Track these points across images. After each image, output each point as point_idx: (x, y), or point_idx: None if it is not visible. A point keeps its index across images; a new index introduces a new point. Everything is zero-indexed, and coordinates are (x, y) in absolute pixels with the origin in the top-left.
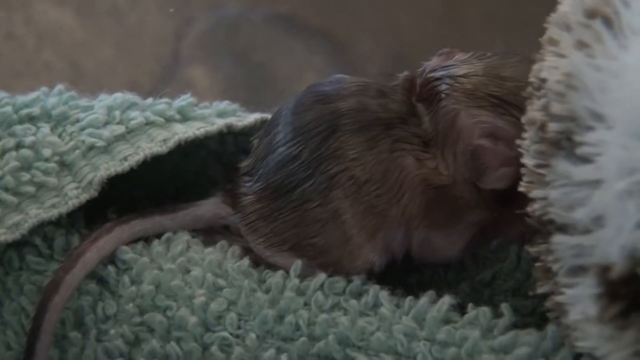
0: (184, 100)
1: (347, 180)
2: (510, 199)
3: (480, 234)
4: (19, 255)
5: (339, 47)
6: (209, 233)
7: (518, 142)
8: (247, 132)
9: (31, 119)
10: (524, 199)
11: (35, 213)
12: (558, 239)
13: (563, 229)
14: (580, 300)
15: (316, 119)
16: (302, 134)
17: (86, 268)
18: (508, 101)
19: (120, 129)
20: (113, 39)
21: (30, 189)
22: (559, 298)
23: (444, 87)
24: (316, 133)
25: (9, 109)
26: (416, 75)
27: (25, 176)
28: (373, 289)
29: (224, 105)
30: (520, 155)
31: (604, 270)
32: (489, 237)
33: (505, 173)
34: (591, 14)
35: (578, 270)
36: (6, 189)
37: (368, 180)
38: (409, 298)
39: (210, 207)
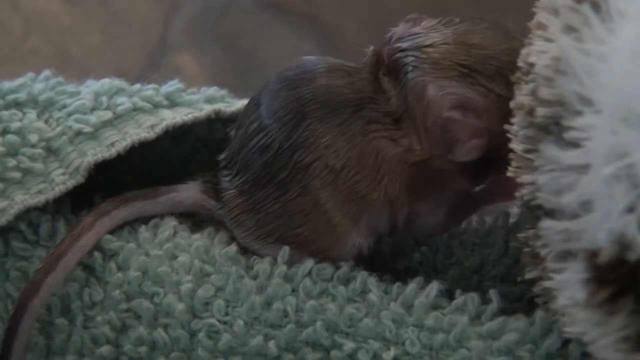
0: (172, 86)
1: (322, 170)
2: (490, 167)
3: (470, 202)
4: (4, 241)
5: (328, 32)
6: (196, 220)
7: (506, 127)
8: (235, 119)
9: (17, 104)
10: (505, 166)
11: (22, 199)
12: (546, 224)
13: (551, 214)
14: (568, 286)
15: (283, 107)
16: (272, 124)
17: (67, 269)
18: (477, 70)
19: (108, 115)
20: (100, 24)
21: (17, 174)
22: (547, 283)
23: (410, 59)
24: (285, 122)
25: None
26: (383, 48)
27: (12, 162)
28: (361, 275)
29: (212, 91)
30: (490, 125)
31: (592, 255)
32: (481, 204)
33: (476, 144)
34: None
35: (566, 256)
36: None
37: (344, 166)
38: (397, 284)
39: (191, 194)
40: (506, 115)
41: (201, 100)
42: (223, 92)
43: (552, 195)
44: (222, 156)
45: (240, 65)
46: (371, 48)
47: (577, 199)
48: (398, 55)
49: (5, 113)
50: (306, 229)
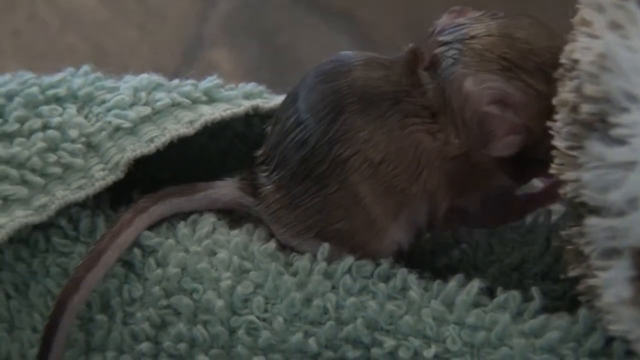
0: (210, 81)
1: (361, 164)
2: (528, 164)
3: (526, 202)
4: (44, 236)
5: (364, 28)
6: (234, 216)
7: (549, 124)
8: (273, 114)
9: (57, 99)
10: (543, 163)
11: (62, 194)
12: (591, 221)
13: (596, 211)
14: (614, 283)
15: (320, 101)
16: (309, 118)
17: (107, 266)
18: (518, 65)
19: (147, 110)
20: (136, 20)
21: (57, 170)
22: (591, 281)
23: (452, 52)
24: (322, 116)
25: (35, 89)
26: (424, 46)
27: (52, 157)
28: (401, 272)
29: (251, 86)
30: (528, 121)
31: (639, 252)
32: (536, 205)
33: (512, 140)
34: None
35: (611, 253)
36: (33, 170)
37: (383, 160)
38: (438, 281)
39: (228, 191)
40: (545, 112)
41: (239, 96)
42: (261, 87)
43: (597, 192)
44: (259, 152)
45: (275, 60)
46: (410, 45)
47: (624, 196)
48: (441, 49)
49: (45, 108)
50: (345, 223)
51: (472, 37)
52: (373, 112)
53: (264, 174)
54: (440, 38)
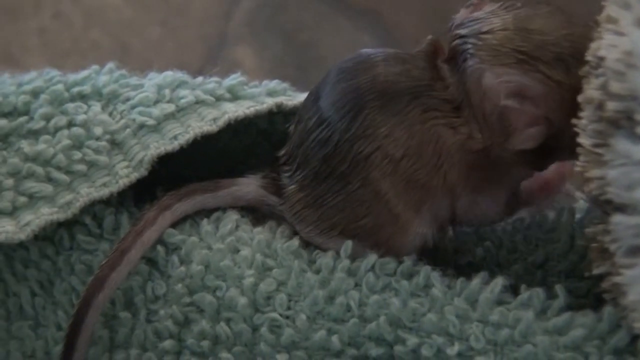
0: (234, 79)
1: (382, 160)
2: (551, 154)
3: (536, 190)
4: (69, 234)
5: (387, 25)
6: (257, 214)
7: (574, 121)
8: (296, 112)
9: (82, 97)
10: (566, 154)
11: (87, 192)
12: (617, 219)
13: (622, 209)
14: (639, 281)
15: (341, 99)
16: (331, 116)
17: (131, 264)
18: (535, 56)
19: (171, 108)
20: (160, 18)
21: (82, 167)
22: (616, 279)
23: (468, 46)
24: (343, 113)
25: (60, 86)
26: (441, 38)
27: (77, 154)
28: (424, 269)
29: (274, 84)
30: (549, 112)
31: None
32: (550, 193)
33: (533, 133)
34: None
35: (637, 251)
36: (58, 168)
37: (404, 155)
38: (461, 279)
39: (252, 188)
40: (566, 102)
41: (263, 94)
42: (285, 85)
43: (623, 190)
44: (282, 152)
45: (299, 58)
46: (429, 37)
47: None
48: (457, 42)
49: (70, 105)
50: (369, 220)
51: (487, 32)
52: (393, 108)
53: (287, 174)
54: (457, 32)
